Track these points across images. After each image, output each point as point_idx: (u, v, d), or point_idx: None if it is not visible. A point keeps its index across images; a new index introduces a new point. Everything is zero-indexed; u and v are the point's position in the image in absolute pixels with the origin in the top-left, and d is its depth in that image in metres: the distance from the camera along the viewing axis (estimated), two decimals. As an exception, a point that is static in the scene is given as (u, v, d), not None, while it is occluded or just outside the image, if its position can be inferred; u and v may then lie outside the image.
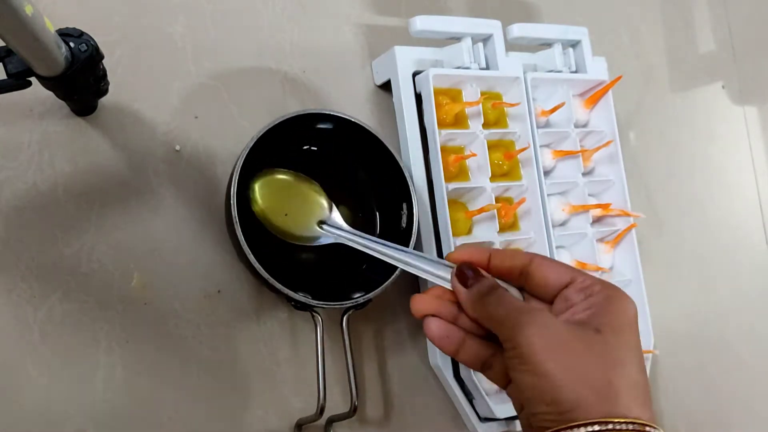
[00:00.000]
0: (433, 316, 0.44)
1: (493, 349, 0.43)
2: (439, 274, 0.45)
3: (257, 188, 0.57)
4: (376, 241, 0.52)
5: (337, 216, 0.57)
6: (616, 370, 0.38)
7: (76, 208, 0.55)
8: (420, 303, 0.45)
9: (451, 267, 0.45)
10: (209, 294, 0.59)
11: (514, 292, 0.44)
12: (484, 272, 0.44)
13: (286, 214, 0.57)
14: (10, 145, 0.54)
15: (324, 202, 0.58)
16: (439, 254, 0.64)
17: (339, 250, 0.58)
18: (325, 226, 0.57)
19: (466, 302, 0.43)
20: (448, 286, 0.45)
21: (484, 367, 0.44)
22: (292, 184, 0.59)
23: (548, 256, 0.46)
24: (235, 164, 0.54)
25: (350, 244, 0.54)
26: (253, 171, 0.57)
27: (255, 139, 0.55)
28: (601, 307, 0.40)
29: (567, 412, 0.36)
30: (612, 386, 0.37)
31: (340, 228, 0.56)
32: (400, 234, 0.62)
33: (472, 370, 0.62)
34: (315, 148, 0.63)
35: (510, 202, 0.68)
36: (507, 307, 0.41)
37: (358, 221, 0.63)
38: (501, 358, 0.42)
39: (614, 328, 0.39)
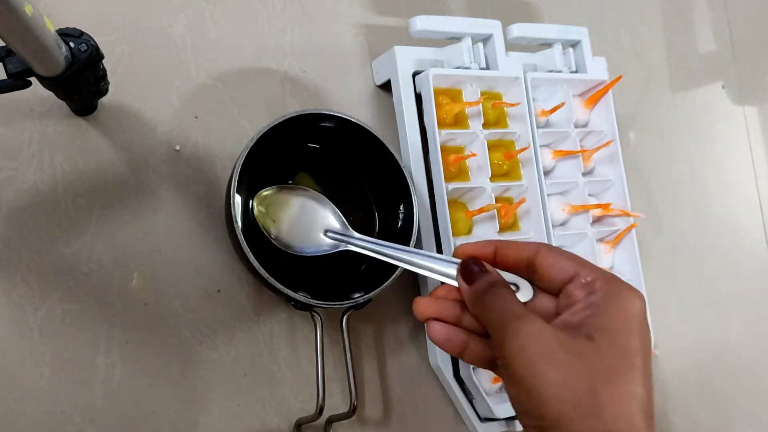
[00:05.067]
0: (437, 319, 0.43)
1: None
2: (446, 272, 0.44)
3: (257, 206, 0.57)
4: (380, 244, 0.52)
5: (341, 222, 0.58)
6: (606, 381, 0.35)
7: (76, 208, 0.55)
8: (422, 306, 0.43)
9: (457, 263, 0.43)
10: (209, 294, 0.59)
11: (525, 286, 0.42)
12: (489, 267, 0.42)
13: (287, 226, 0.57)
14: (10, 145, 0.54)
15: (325, 209, 0.58)
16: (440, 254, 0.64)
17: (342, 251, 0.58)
18: (330, 234, 0.57)
19: (467, 300, 0.42)
20: (455, 283, 0.43)
21: (491, 366, 0.42)
22: (290, 198, 0.58)
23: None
24: (235, 164, 0.54)
25: (353, 248, 0.54)
26: (254, 173, 0.57)
27: (255, 139, 0.55)
28: (599, 308, 0.37)
29: (548, 428, 0.35)
30: (597, 400, 0.35)
31: (344, 235, 0.56)
32: (396, 235, 0.62)
33: (472, 370, 0.62)
34: (315, 148, 0.63)
35: (510, 202, 0.68)
36: (500, 311, 0.39)
37: (357, 221, 0.63)
38: None
39: (611, 332, 0.36)
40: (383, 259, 0.51)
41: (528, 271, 0.42)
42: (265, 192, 0.57)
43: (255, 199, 0.57)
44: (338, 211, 0.58)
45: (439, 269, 0.45)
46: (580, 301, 0.39)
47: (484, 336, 0.42)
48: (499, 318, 0.38)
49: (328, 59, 0.68)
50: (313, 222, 0.57)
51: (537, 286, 0.42)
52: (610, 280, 0.39)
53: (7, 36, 0.41)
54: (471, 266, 0.42)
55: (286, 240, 0.56)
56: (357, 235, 0.56)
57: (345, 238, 0.56)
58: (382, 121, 0.69)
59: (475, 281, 0.41)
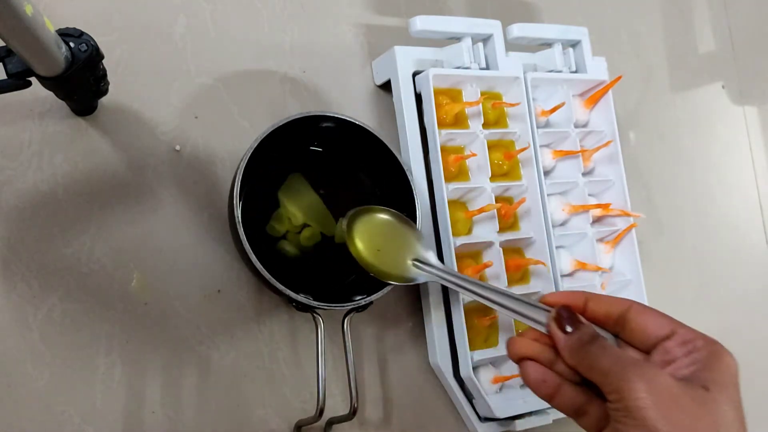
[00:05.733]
0: (530, 359, 0.44)
1: (588, 396, 0.43)
2: (534, 318, 0.45)
3: (355, 227, 0.56)
4: (471, 281, 0.51)
5: (431, 255, 0.57)
6: (724, 428, 0.38)
7: (76, 208, 0.55)
8: (518, 346, 0.44)
9: (547, 311, 0.44)
10: (209, 294, 0.59)
11: (608, 338, 0.43)
12: (582, 318, 0.43)
13: (378, 250, 0.57)
14: (10, 145, 0.54)
15: (417, 240, 0.58)
16: (440, 255, 0.64)
17: (342, 251, 0.58)
18: (418, 264, 0.56)
19: (564, 349, 0.42)
20: (542, 330, 0.44)
21: (577, 414, 0.43)
22: (388, 223, 0.59)
23: (647, 304, 0.45)
24: (238, 167, 0.54)
25: (444, 283, 0.54)
26: (257, 174, 0.57)
27: (258, 142, 0.55)
28: (706, 364, 0.40)
29: None
30: None
31: (433, 266, 0.56)
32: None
33: (472, 370, 0.62)
34: (317, 149, 0.63)
35: (510, 202, 0.68)
36: (612, 359, 0.40)
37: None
38: (596, 406, 0.42)
39: (721, 385, 0.39)
40: (470, 296, 0.50)
41: (616, 325, 0.43)
42: (356, 212, 0.57)
43: (344, 219, 0.56)
44: (425, 239, 0.57)
45: (529, 314, 0.45)
46: (682, 358, 0.40)
47: (576, 383, 0.43)
48: (611, 365, 0.39)
49: (328, 59, 0.68)
50: (401, 247, 0.57)
51: (623, 340, 0.43)
52: (710, 339, 0.41)
53: (7, 36, 0.41)
54: (566, 316, 0.43)
55: (371, 260, 0.56)
56: (446, 267, 0.55)
57: (434, 271, 0.55)
58: (382, 121, 0.69)
59: (573, 331, 0.42)
